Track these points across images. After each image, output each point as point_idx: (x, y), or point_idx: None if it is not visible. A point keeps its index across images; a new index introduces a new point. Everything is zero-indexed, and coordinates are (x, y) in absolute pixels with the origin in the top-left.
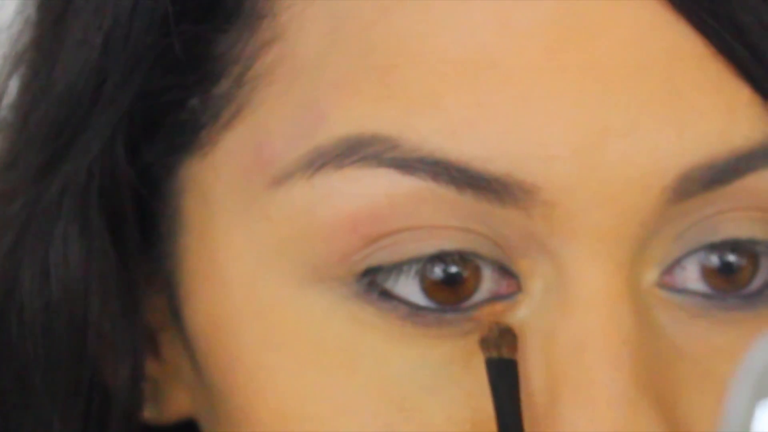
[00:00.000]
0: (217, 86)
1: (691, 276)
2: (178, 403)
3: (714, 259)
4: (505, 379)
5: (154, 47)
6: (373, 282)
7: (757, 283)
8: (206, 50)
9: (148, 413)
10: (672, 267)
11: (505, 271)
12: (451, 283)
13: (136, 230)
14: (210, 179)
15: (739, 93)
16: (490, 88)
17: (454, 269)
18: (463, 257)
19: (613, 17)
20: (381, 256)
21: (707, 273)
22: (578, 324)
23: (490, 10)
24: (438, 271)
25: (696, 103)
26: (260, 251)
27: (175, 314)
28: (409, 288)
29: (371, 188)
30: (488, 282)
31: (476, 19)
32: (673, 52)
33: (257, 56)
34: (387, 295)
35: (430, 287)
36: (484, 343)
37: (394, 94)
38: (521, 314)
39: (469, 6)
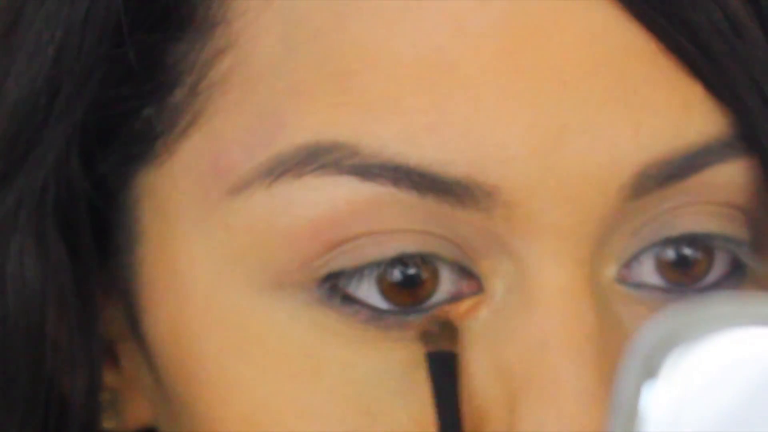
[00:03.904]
0: (172, 95)
1: (647, 270)
2: (138, 413)
3: (669, 253)
4: (444, 372)
5: (107, 57)
6: (334, 287)
7: (712, 276)
8: (159, 59)
9: (108, 424)
10: (629, 262)
11: (466, 272)
12: (408, 285)
13: (93, 242)
14: (167, 189)
15: (692, 89)
16: (448, 91)
17: (412, 271)
18: (423, 259)
19: (565, 17)
20: (342, 260)
21: (662, 266)
22: (541, 322)
23: (444, 13)
24: (397, 274)
25: (651, 100)
26: (220, 260)
27: (133, 325)
28: (369, 291)
29: (331, 195)
30: (447, 283)
31: (430, 22)
32: (626, 50)
33: (211, 65)
34: (349, 300)
35: (387, 289)
36: (424, 337)
37: (351, 100)
38: (483, 314)
39: (422, 9)
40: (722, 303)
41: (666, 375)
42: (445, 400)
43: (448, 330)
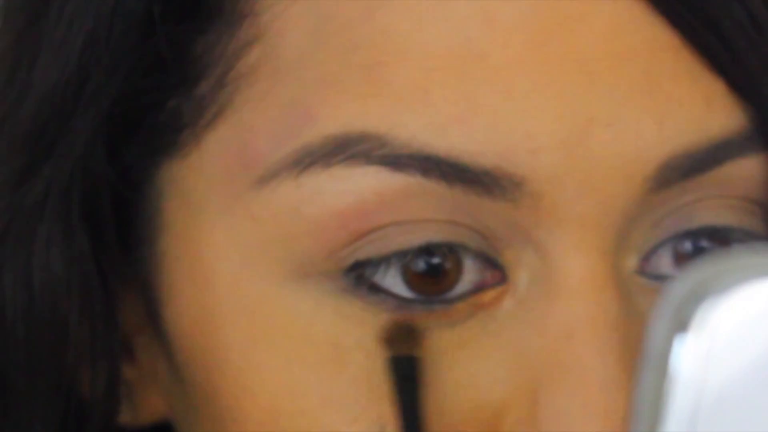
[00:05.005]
0: (198, 87)
1: (665, 262)
2: (153, 406)
3: (687, 245)
4: (407, 376)
5: (135, 48)
6: (360, 276)
7: None
8: (187, 51)
9: (124, 417)
10: (648, 254)
11: (490, 262)
12: (433, 275)
13: (115, 233)
14: (192, 180)
15: (715, 83)
16: (477, 82)
17: (436, 261)
18: (449, 249)
19: (592, 10)
20: (368, 249)
21: (680, 258)
22: (565, 312)
23: (474, 5)
24: (421, 263)
25: (674, 93)
26: (245, 250)
27: (152, 317)
28: (394, 281)
29: (360, 186)
30: (471, 273)
31: (460, 13)
32: (650, 44)
33: (239, 56)
34: (375, 289)
35: (412, 279)
36: (387, 342)
37: (380, 91)
38: (507, 304)
39: (452, 2)
40: (751, 254)
41: (697, 327)
42: (407, 405)
43: (410, 333)
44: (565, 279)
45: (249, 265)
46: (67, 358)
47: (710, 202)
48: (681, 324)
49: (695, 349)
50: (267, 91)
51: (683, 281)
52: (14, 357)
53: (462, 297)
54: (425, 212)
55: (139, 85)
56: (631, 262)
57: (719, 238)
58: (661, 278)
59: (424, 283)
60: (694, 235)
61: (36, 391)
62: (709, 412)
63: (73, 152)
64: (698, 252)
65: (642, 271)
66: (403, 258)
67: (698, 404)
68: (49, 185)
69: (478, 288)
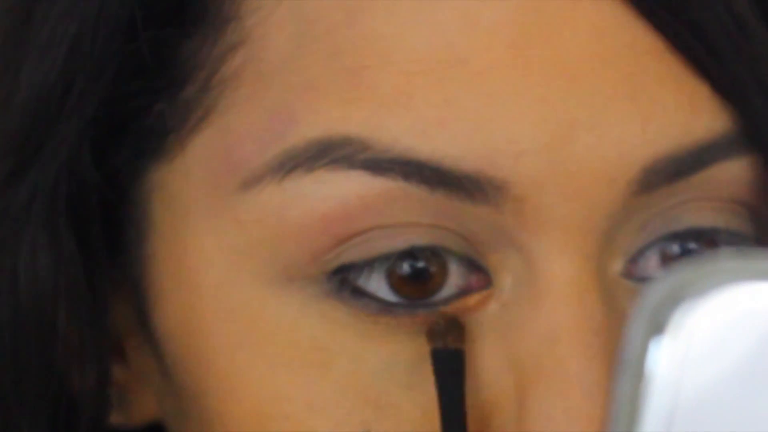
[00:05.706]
0: (184, 91)
1: (652, 264)
2: (144, 408)
3: (674, 248)
4: (450, 369)
5: (120, 53)
6: (344, 280)
7: None
8: (172, 55)
9: (115, 418)
10: (635, 257)
11: (475, 266)
12: (417, 279)
13: (103, 236)
14: (178, 184)
15: (699, 86)
16: (459, 87)
17: (421, 264)
18: (433, 253)
19: (575, 14)
20: (352, 253)
21: (667, 261)
22: (549, 316)
23: (456, 9)
24: (406, 267)
25: (658, 96)
26: (230, 254)
27: (142, 320)
28: (378, 285)
29: (343, 190)
30: (455, 277)
31: (443, 18)
32: (634, 47)
33: (223, 60)
34: (359, 293)
35: (397, 283)
36: (431, 335)
37: (363, 95)
38: (492, 308)
39: (435, 6)
40: (728, 258)
41: (673, 330)
42: (450, 398)
43: (455, 327)
44: (549, 283)
45: (234, 269)
46: (56, 361)
47: (696, 204)
48: (657, 327)
49: (671, 352)
50: (251, 96)
51: (661, 284)
52: (1, 360)
53: (447, 301)
54: (408, 216)
55: (124, 89)
56: (617, 265)
57: (706, 240)
58: (648, 281)
59: (409, 287)
60: (681, 237)
61: (24, 395)
62: (685, 416)
63: (58, 156)
64: (686, 254)
65: (629, 274)
66: (386, 262)
67: (674, 408)
68: (35, 189)
69: (463, 292)
